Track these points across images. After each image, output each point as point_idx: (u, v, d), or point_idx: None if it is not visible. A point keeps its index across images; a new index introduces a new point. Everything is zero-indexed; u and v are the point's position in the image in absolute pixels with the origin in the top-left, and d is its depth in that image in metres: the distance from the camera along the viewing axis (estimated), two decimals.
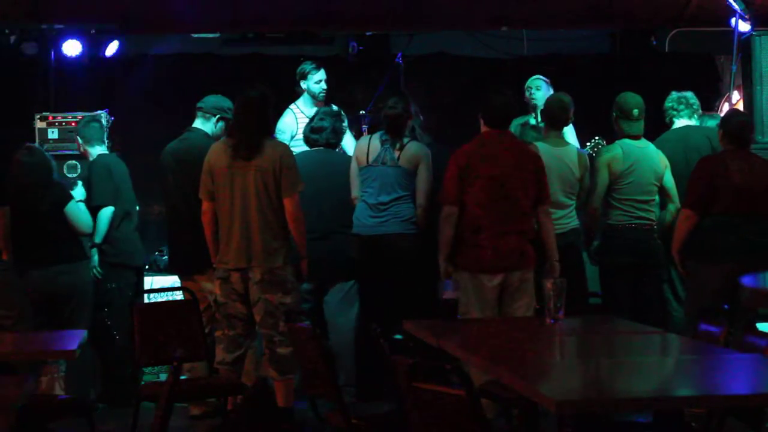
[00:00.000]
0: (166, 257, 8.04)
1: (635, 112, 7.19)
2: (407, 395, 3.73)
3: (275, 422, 6.30)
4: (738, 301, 5.61)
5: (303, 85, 8.08)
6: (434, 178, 7.07)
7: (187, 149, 7.06)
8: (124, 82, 9.56)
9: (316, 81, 8.05)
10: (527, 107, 8.55)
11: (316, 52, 9.30)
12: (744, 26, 8.08)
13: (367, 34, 9.81)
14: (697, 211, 6.67)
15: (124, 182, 7.66)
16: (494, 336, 5.19)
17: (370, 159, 7.16)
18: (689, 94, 7.69)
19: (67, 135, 8.19)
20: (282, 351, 6.33)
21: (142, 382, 7.19)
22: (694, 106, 7.68)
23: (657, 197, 7.27)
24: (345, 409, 4.92)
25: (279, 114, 7.99)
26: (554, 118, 7.19)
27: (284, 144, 6.82)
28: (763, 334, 4.60)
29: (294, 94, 8.16)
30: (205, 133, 7.13)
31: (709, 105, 9.25)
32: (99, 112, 8.08)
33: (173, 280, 7.51)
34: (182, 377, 6.22)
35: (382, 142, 7.15)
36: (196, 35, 9.61)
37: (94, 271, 7.48)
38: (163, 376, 7.57)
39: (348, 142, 8.19)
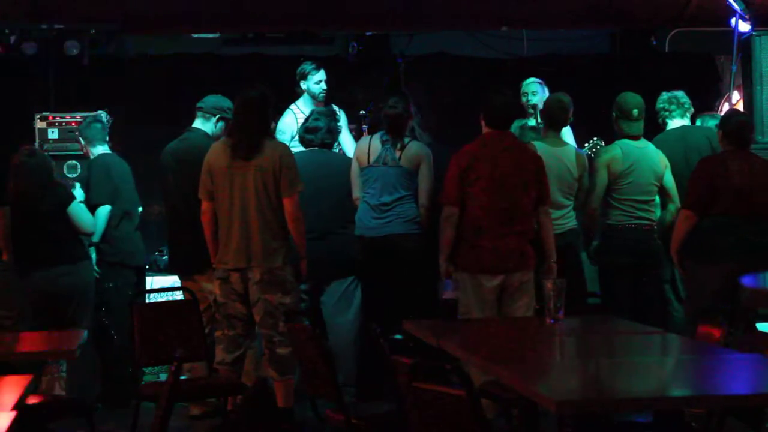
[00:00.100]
0: (166, 257, 8.04)
1: (635, 112, 7.19)
2: (407, 395, 3.73)
3: (275, 422, 6.30)
4: (738, 301, 5.61)
5: (303, 85, 8.08)
6: (435, 178, 7.08)
7: (187, 149, 7.06)
8: (124, 82, 9.55)
9: (316, 81, 8.06)
10: (524, 111, 8.53)
11: (316, 52, 9.30)
12: (744, 26, 8.08)
13: (367, 34, 9.80)
14: (696, 212, 6.67)
15: (124, 182, 7.66)
16: (494, 336, 5.19)
17: (371, 159, 7.16)
18: (680, 94, 7.68)
19: (67, 135, 8.19)
20: (281, 351, 6.33)
21: (143, 382, 7.19)
22: (686, 105, 7.67)
23: (657, 198, 7.27)
24: (345, 409, 4.92)
25: (279, 114, 7.99)
26: (553, 118, 7.19)
27: (284, 144, 6.82)
28: (763, 334, 4.61)
29: (294, 94, 8.16)
30: (205, 133, 7.13)
31: (709, 105, 9.26)
32: (99, 112, 8.09)
33: (173, 280, 7.51)
34: (182, 377, 6.22)
35: (383, 143, 7.15)
36: (196, 35, 9.62)
37: (93, 269, 7.50)
38: (163, 376, 7.57)
39: (347, 143, 8.19)
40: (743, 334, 4.68)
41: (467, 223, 6.36)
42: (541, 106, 7.81)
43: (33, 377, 4.37)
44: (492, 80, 8.92)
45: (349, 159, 7.79)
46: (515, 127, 7.67)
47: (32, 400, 5.51)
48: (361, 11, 9.03)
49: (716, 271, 6.49)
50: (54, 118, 8.27)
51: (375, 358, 5.48)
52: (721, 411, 4.35)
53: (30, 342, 5.72)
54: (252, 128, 6.36)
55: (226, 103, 7.13)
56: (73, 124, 8.20)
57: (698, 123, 8.15)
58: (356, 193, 7.23)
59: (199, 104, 7.23)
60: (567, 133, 7.82)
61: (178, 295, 7.16)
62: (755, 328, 4.81)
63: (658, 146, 7.31)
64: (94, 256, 7.57)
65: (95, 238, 7.49)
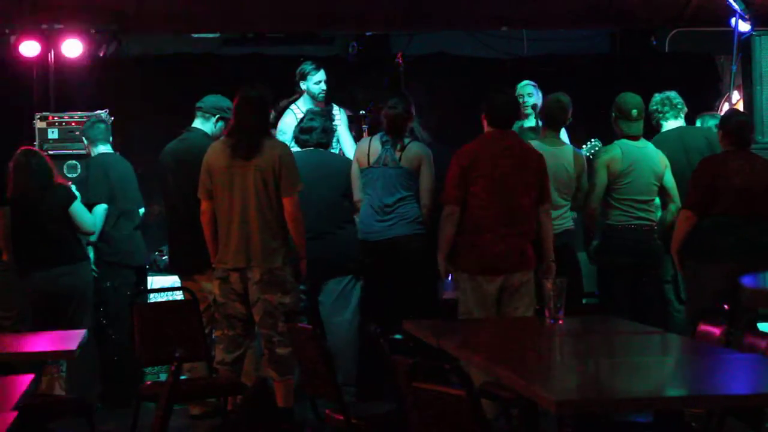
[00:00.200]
0: (166, 257, 8.04)
1: (634, 112, 7.19)
2: (407, 395, 3.73)
3: (275, 422, 6.29)
4: (738, 301, 5.61)
5: (303, 85, 8.08)
6: (435, 178, 7.07)
7: (187, 149, 7.05)
8: (124, 82, 9.56)
9: (315, 82, 8.05)
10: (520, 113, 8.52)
11: (316, 52, 9.31)
12: (744, 26, 8.08)
13: (367, 34, 9.81)
14: (697, 212, 6.67)
15: (123, 181, 7.66)
16: (494, 336, 5.19)
17: (371, 160, 7.15)
18: (672, 94, 7.67)
19: (67, 135, 8.19)
20: (281, 351, 6.33)
21: (143, 382, 7.19)
22: (679, 106, 7.65)
23: (657, 199, 7.27)
24: (345, 409, 4.92)
25: (279, 114, 8.00)
26: (553, 118, 7.18)
27: (284, 143, 6.82)
28: (763, 334, 4.60)
29: (294, 94, 8.16)
30: (205, 133, 7.13)
31: (709, 105, 9.26)
32: (99, 112, 8.09)
33: (173, 280, 7.51)
34: (182, 377, 6.22)
35: (383, 143, 7.14)
36: (196, 35, 9.62)
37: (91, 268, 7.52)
38: (163, 376, 7.57)
39: (347, 143, 8.19)
40: (743, 334, 4.67)
41: (468, 222, 6.35)
42: (537, 107, 7.82)
43: (33, 377, 4.37)
44: (492, 80, 8.92)
45: (345, 159, 7.79)
46: (514, 127, 7.67)
47: (32, 400, 5.51)
48: (361, 11, 9.03)
49: (717, 271, 6.49)
50: (54, 118, 8.27)
51: (375, 357, 5.48)
52: (721, 411, 4.35)
53: (30, 342, 5.73)
54: (251, 128, 6.36)
55: (225, 102, 7.12)
56: (73, 124, 8.20)
57: (698, 123, 8.14)
58: (357, 195, 7.22)
59: (198, 104, 7.23)
60: (562, 134, 7.82)
61: (178, 295, 7.16)
62: (756, 328, 4.80)
63: (657, 147, 7.30)
64: (92, 255, 7.57)
65: (93, 237, 7.50)
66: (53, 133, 8.22)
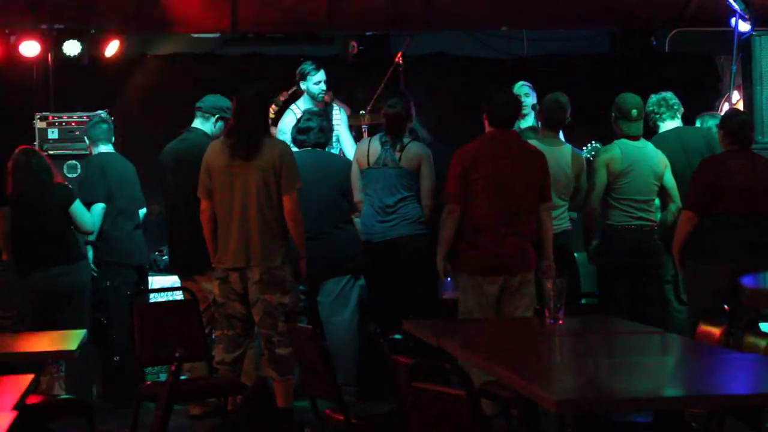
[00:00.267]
0: (166, 257, 8.04)
1: (634, 112, 7.18)
2: (407, 395, 3.73)
3: (275, 422, 6.30)
4: (739, 301, 5.61)
5: (302, 85, 8.08)
6: (436, 177, 7.07)
7: (187, 149, 7.05)
8: (124, 82, 9.56)
9: (315, 82, 8.05)
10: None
11: (316, 52, 9.30)
12: (744, 26, 8.08)
13: (367, 34, 9.81)
14: (698, 212, 6.67)
15: (121, 181, 7.66)
16: (494, 336, 5.19)
17: (371, 161, 7.14)
18: (668, 95, 7.66)
19: (67, 135, 8.20)
20: (281, 351, 6.33)
21: (143, 383, 7.19)
22: (675, 107, 7.64)
23: (657, 201, 7.26)
24: (345, 409, 4.92)
25: (280, 111, 8.02)
26: (551, 118, 7.18)
27: (283, 142, 6.82)
28: (763, 334, 4.60)
29: (293, 86, 8.17)
30: (205, 133, 7.12)
31: (709, 105, 9.26)
32: (99, 111, 8.09)
33: (173, 280, 7.51)
34: (182, 377, 6.22)
35: (382, 144, 7.13)
36: (196, 35, 9.62)
37: (90, 268, 7.51)
38: (163, 376, 7.57)
39: (347, 143, 8.19)
40: (744, 334, 4.67)
41: (468, 222, 6.34)
42: (536, 107, 7.82)
43: (33, 377, 4.37)
44: (492, 80, 8.92)
45: (343, 158, 7.79)
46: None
47: (32, 400, 5.51)
48: (361, 11, 9.03)
49: (718, 270, 6.49)
50: (54, 118, 8.27)
51: (375, 357, 5.48)
52: (721, 411, 4.35)
53: (30, 342, 5.73)
54: (250, 128, 6.35)
55: (225, 102, 7.12)
56: (73, 124, 8.21)
57: (698, 123, 8.14)
58: (358, 196, 7.21)
59: (198, 104, 7.22)
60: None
61: (178, 295, 7.16)
62: (758, 328, 4.80)
63: (656, 146, 7.30)
64: (91, 255, 7.58)
65: (91, 237, 7.50)
66: (53, 133, 8.23)
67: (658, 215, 7.28)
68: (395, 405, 4.63)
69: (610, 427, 4.91)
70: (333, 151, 8.12)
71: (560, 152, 7.08)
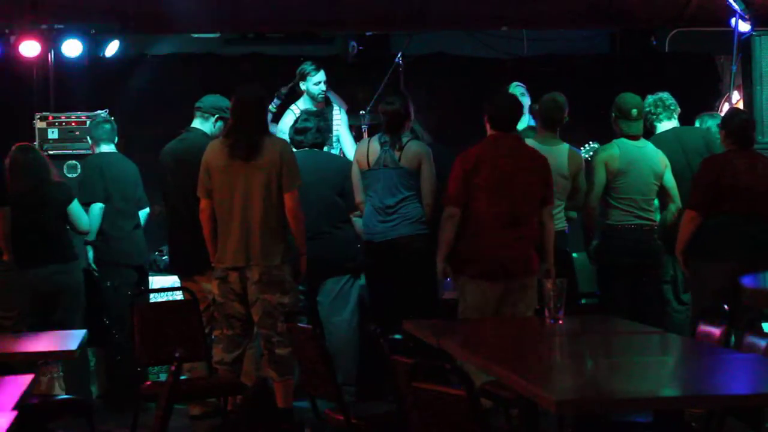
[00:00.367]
0: (166, 257, 8.04)
1: (634, 112, 7.18)
2: (407, 395, 3.73)
3: (275, 422, 6.30)
4: (739, 300, 5.61)
5: (302, 86, 8.08)
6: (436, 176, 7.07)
7: (186, 149, 7.05)
8: (124, 82, 9.56)
9: (315, 83, 8.05)
10: None
11: (316, 52, 9.31)
12: (744, 26, 8.08)
13: (367, 34, 9.81)
14: (701, 212, 6.66)
15: (120, 181, 7.65)
16: (494, 336, 5.19)
17: (371, 162, 7.13)
18: (665, 95, 7.65)
19: (67, 135, 8.19)
20: (281, 351, 6.32)
21: (143, 383, 7.19)
22: (672, 107, 7.63)
23: (657, 201, 7.26)
24: (345, 409, 4.92)
25: (280, 112, 8.02)
26: (549, 118, 7.17)
27: (282, 140, 6.82)
28: (764, 334, 4.60)
29: (294, 94, 8.17)
30: (204, 133, 7.12)
31: (709, 105, 9.26)
32: (99, 111, 8.09)
33: (173, 280, 7.51)
34: (182, 377, 6.22)
35: (382, 144, 7.12)
36: (196, 35, 9.62)
37: (91, 267, 7.50)
38: (163, 376, 7.57)
39: (347, 143, 8.19)
40: (744, 334, 4.67)
41: (470, 225, 6.33)
42: (534, 108, 7.81)
43: (33, 377, 4.37)
44: (492, 80, 8.93)
45: (341, 158, 7.79)
46: None
47: (32, 400, 5.51)
48: (361, 11, 9.03)
49: (719, 269, 6.49)
50: (54, 118, 8.27)
51: (375, 357, 5.47)
52: (721, 411, 4.35)
53: (30, 342, 5.73)
54: (249, 128, 6.35)
55: (224, 102, 7.12)
56: (73, 124, 8.20)
57: (697, 123, 8.13)
58: (359, 197, 7.20)
59: (197, 104, 7.22)
60: None
61: (178, 295, 7.16)
62: (759, 327, 4.80)
63: (655, 146, 7.30)
64: (90, 254, 7.57)
65: (90, 237, 7.50)
66: (53, 133, 8.22)
67: (658, 215, 7.28)
68: (395, 405, 4.63)
69: (610, 427, 4.91)
70: (333, 151, 8.12)
71: (557, 152, 7.07)
